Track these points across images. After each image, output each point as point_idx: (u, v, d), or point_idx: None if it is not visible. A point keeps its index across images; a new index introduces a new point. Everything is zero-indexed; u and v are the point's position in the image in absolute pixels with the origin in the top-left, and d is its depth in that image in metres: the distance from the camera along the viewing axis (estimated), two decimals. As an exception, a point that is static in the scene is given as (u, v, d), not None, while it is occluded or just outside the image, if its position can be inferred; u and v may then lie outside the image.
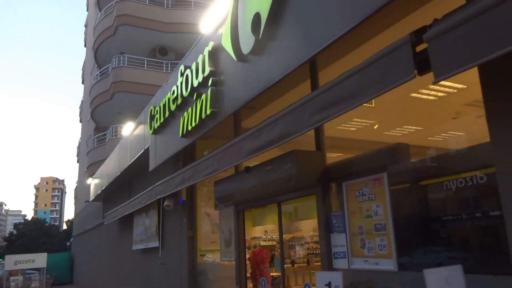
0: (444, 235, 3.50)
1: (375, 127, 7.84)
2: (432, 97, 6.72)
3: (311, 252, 6.53)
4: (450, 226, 3.42)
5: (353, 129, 8.10)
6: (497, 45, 2.25)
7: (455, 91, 6.25)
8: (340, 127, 7.82)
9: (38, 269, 14.89)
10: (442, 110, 7.16)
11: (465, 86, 5.96)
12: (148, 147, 9.29)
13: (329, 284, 3.66)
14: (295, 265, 6.55)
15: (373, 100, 6.63)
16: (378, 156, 4.12)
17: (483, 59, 2.32)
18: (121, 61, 21.16)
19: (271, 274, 6.13)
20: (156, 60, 21.71)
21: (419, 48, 2.83)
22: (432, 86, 6.25)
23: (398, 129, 8.35)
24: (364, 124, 7.94)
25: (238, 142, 5.01)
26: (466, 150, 3.49)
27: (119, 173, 12.61)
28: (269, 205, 5.85)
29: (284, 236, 6.57)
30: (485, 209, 3.20)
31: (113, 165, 13.72)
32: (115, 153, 13.86)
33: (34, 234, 53.60)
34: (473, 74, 3.04)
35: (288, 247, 6.89)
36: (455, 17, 2.55)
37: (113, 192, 15.26)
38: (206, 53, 6.05)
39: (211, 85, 5.90)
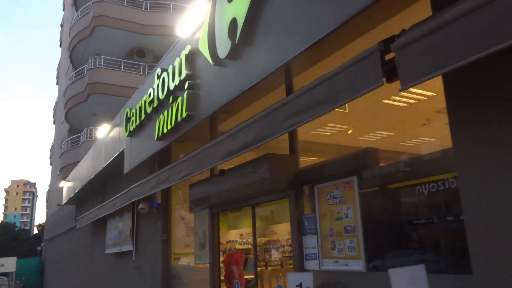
0: (411, 236, 3.63)
1: (349, 132, 8.02)
2: (404, 104, 6.93)
3: (286, 255, 6.61)
4: (417, 228, 3.56)
5: (328, 134, 8.26)
6: (458, 56, 2.37)
7: (425, 98, 6.46)
8: (315, 132, 7.97)
9: (7, 274, 14.49)
10: (413, 116, 7.39)
11: (435, 94, 6.18)
12: (123, 150, 9.22)
13: (300, 285, 3.74)
14: (269, 267, 6.61)
15: (347, 106, 6.82)
16: (349, 160, 4.24)
17: (445, 69, 2.44)
18: (97, 63, 20.88)
19: (245, 276, 6.18)
20: (133, 62, 21.50)
21: (388, 57, 2.93)
22: (404, 93, 6.46)
23: (371, 134, 8.56)
24: (338, 129, 8.11)
25: (214, 145, 5.05)
26: (433, 155, 3.64)
27: (93, 176, 12.43)
28: (244, 208, 5.90)
29: (259, 239, 6.64)
30: (449, 212, 3.35)
31: (87, 167, 13.52)
32: (89, 156, 13.66)
33: (3, 238, 52.02)
34: (441, 82, 3.19)
35: (264, 250, 6.94)
36: (421, 29, 2.67)
37: (87, 195, 15.02)
38: (183, 56, 6.09)
39: (187, 88, 5.93)
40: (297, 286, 3.75)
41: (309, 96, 3.50)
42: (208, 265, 6.50)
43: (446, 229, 3.39)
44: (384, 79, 2.92)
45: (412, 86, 2.70)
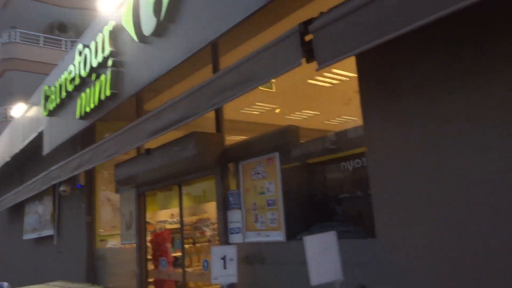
0: (328, 208, 3.90)
1: (276, 111, 8.26)
2: (328, 84, 7.25)
3: (216, 232, 6.75)
4: (333, 200, 3.84)
5: (257, 113, 8.45)
6: (366, 39, 2.56)
7: (348, 79, 6.79)
8: (244, 111, 8.12)
9: None
10: (336, 96, 7.75)
11: (356, 75, 6.55)
12: (42, 130, 8.71)
13: (224, 258, 3.88)
14: (197, 244, 6.72)
15: (274, 86, 6.98)
16: (271, 137, 4.43)
17: (355, 51, 2.63)
18: (13, 37, 19.27)
19: (174, 254, 6.24)
20: (54, 37, 20.13)
21: (308, 38, 3.07)
22: (328, 74, 6.77)
23: (297, 113, 8.89)
24: (267, 108, 8.32)
25: (139, 123, 4.98)
26: (347, 132, 3.90)
27: (9, 159, 11.62)
28: (175, 188, 5.91)
29: (191, 218, 6.74)
30: (361, 186, 3.62)
31: (2, 150, 12.59)
32: (5, 137, 12.71)
33: None
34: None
35: (194, 228, 7.07)
36: (336, 11, 2.83)
37: (2, 180, 14.02)
38: (106, 32, 5.85)
39: (111, 66, 5.74)
40: (221, 258, 3.89)
41: (233, 75, 3.58)
42: (135, 245, 6.46)
43: (357, 201, 3.68)
44: (304, 60, 3.06)
45: (326, 66, 2.86)
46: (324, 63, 2.86)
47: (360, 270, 3.21)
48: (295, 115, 8.95)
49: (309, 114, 9.00)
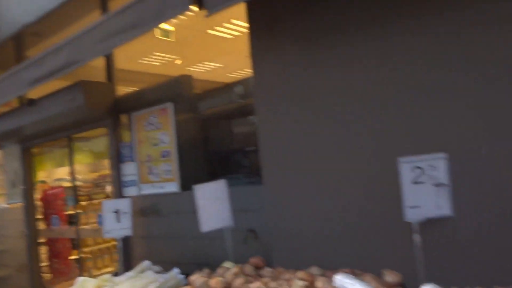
0: (235, 161, 3.97)
1: (176, 62, 7.99)
2: (229, 35, 7.14)
3: (116, 188, 6.58)
4: (240, 153, 3.90)
5: (157, 64, 8.10)
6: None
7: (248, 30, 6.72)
8: (143, 61, 7.73)
9: None
10: (240, 48, 7.68)
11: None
12: None
13: (117, 211, 3.78)
14: (94, 200, 6.50)
15: (172, 35, 6.69)
16: (164, 87, 4.28)
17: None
18: None
19: (68, 212, 5.96)
20: None
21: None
22: (228, 25, 6.66)
23: (200, 65, 8.70)
24: (167, 59, 8.00)
25: (19, 71, 4.48)
26: (238, 84, 3.92)
27: None
28: (72, 146, 5.54)
29: (91, 175, 6.43)
30: (250, 135, 3.69)
31: None
32: None
33: None
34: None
35: (96, 185, 6.83)
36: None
37: None
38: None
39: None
40: (114, 212, 3.78)
41: (120, 19, 3.34)
42: (22, 204, 6.02)
43: (246, 151, 3.78)
44: (195, 7, 2.93)
45: (215, 12, 2.78)
46: (213, 8, 2.78)
47: (250, 216, 3.35)
48: (198, 67, 8.75)
49: (212, 67, 8.87)
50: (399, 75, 2.51)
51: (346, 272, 2.34)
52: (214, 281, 2.55)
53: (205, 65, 8.74)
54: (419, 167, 2.33)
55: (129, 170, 4.37)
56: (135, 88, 5.69)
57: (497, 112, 2.21)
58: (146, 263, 3.49)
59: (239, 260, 3.03)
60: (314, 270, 2.55)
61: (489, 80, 2.23)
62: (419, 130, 2.44)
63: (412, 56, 2.46)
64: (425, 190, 2.31)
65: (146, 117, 4.18)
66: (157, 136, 4.08)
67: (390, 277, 2.30)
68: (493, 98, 2.22)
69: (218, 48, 7.75)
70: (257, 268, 2.76)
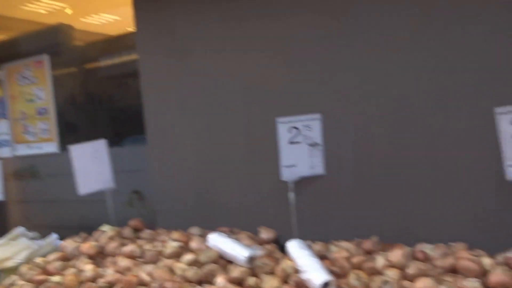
0: (106, 115, 3.73)
1: (66, 11, 7.25)
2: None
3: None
4: (108, 108, 3.67)
5: (44, 12, 7.27)
6: None
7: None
8: (25, 7, 6.88)
9: None
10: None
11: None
12: None
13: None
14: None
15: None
16: (39, 36, 3.87)
17: None
18: None
19: None
20: None
21: None
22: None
23: (95, 16, 8.00)
24: (55, 7, 7.21)
25: None
26: (128, 37, 3.64)
27: None
28: None
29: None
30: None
31: None
32: None
33: None
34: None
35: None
36: None
37: None
38: None
39: None
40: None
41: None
42: None
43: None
44: None
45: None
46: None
47: (135, 177, 3.22)
48: (93, 19, 8.05)
49: (109, 19, 8.21)
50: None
51: (223, 231, 2.36)
52: (87, 245, 2.42)
53: (101, 17, 8.07)
54: (295, 127, 2.38)
55: (2, 128, 3.94)
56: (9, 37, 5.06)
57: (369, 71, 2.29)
58: (19, 229, 3.22)
59: (123, 223, 2.91)
60: (194, 230, 2.54)
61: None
62: (296, 92, 2.46)
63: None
64: (300, 149, 2.38)
65: (19, 70, 3.74)
66: (32, 91, 3.69)
67: (265, 234, 2.36)
68: (367, 59, 2.29)
69: (116, -1, 7.17)
70: (137, 230, 2.67)
